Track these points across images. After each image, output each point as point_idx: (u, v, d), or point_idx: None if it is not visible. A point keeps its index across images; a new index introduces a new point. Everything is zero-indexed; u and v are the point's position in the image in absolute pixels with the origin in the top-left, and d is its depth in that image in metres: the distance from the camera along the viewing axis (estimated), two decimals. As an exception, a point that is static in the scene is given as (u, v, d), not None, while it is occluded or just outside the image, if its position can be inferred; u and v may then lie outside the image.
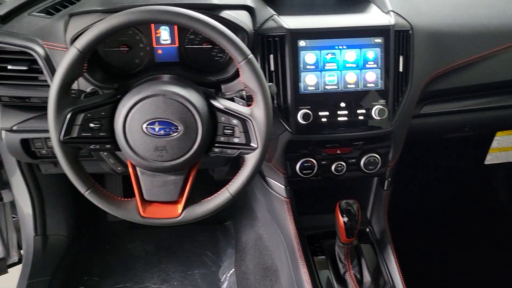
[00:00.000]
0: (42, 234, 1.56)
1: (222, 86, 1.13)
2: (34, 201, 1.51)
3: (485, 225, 1.89)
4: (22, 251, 1.66)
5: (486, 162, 1.43)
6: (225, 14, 1.04)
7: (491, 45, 1.22)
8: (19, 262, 1.67)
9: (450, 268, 1.71)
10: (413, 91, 1.17)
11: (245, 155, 0.96)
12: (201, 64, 1.15)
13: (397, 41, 1.13)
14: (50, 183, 1.54)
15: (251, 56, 0.91)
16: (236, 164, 1.72)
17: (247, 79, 0.92)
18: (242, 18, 1.07)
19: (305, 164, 1.19)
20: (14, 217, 1.64)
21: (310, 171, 1.20)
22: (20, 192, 1.50)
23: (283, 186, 1.23)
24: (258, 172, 1.29)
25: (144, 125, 0.90)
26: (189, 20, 0.87)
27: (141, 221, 0.97)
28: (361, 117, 1.14)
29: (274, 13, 1.12)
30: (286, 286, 1.30)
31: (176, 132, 0.91)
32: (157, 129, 0.90)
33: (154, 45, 1.13)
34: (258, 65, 0.92)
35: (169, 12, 0.86)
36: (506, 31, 1.23)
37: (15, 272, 1.66)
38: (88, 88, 1.05)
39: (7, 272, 1.63)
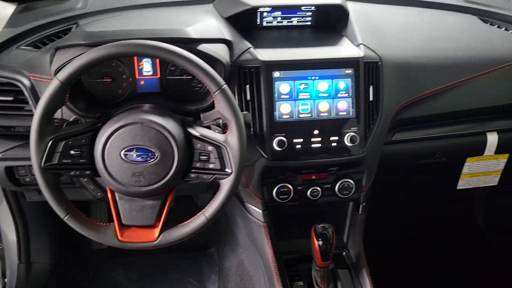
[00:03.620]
0: (25, 261, 1.56)
1: (201, 115, 1.18)
2: (18, 229, 1.53)
3: (462, 248, 1.92)
4: (6, 280, 1.66)
5: (458, 187, 1.48)
6: (202, 47, 1.10)
7: (457, 76, 1.29)
8: (3, 290, 1.68)
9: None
10: (383, 119, 1.22)
11: (220, 180, 1.00)
12: (182, 94, 1.21)
13: (366, 72, 1.19)
14: (34, 211, 1.56)
15: (225, 86, 0.96)
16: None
17: (221, 108, 0.97)
18: (219, 51, 1.13)
19: (281, 190, 1.23)
20: (-1, 245, 1.65)
21: (286, 196, 1.23)
22: (5, 220, 1.52)
23: (260, 211, 1.27)
24: (237, 198, 1.33)
25: (122, 152, 0.94)
26: (166, 52, 0.93)
27: (119, 245, 0.99)
28: (334, 144, 1.19)
29: (250, 46, 1.18)
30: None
31: (153, 158, 0.95)
32: (134, 155, 0.95)
33: (137, 76, 1.18)
34: (231, 95, 0.97)
35: (146, 45, 0.92)
36: (471, 63, 1.31)
37: (-3, 301, 1.66)
38: (72, 117, 1.10)
39: (-10, 300, 1.63)
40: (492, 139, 1.35)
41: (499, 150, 1.37)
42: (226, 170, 0.99)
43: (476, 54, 1.32)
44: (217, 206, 1.00)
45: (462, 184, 1.47)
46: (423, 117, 1.31)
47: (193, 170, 1.00)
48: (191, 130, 1.00)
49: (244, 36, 1.23)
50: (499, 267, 1.84)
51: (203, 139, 0.99)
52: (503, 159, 1.42)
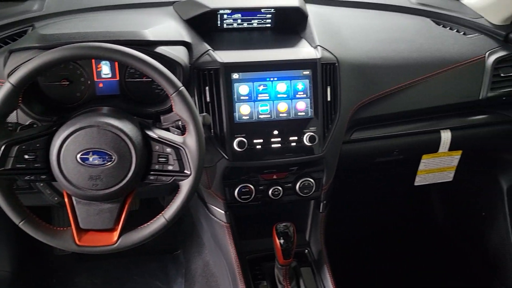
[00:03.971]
0: (-16, 270, 1.52)
1: (162, 117, 1.18)
2: (-24, 237, 1.49)
3: (422, 243, 1.99)
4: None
5: (415, 184, 1.53)
6: (160, 49, 1.11)
7: (411, 76, 1.34)
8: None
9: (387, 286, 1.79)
10: (341, 119, 1.25)
11: (180, 182, 1.00)
12: (142, 97, 1.20)
13: (324, 73, 1.22)
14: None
15: (182, 88, 0.97)
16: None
17: (179, 109, 0.98)
18: (178, 53, 1.14)
19: (243, 190, 1.24)
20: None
21: (248, 196, 1.25)
22: (-39, 228, 1.47)
23: (222, 212, 1.28)
24: (199, 199, 1.34)
25: (78, 155, 0.94)
26: (121, 55, 0.93)
27: (77, 250, 0.98)
28: (293, 144, 1.21)
29: (209, 48, 1.19)
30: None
31: (110, 161, 0.95)
32: (91, 159, 0.94)
33: (95, 79, 1.17)
34: (189, 97, 0.98)
35: (100, 48, 0.92)
36: (424, 64, 1.36)
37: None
38: (28, 121, 1.08)
39: None
40: (446, 136, 1.40)
41: (452, 147, 1.43)
42: (185, 171, 0.99)
43: (429, 55, 1.37)
44: (177, 208, 1.00)
45: (419, 180, 1.52)
46: (380, 116, 1.35)
47: (152, 172, 1.00)
48: (149, 132, 1.00)
49: (204, 38, 1.24)
50: (458, 261, 1.91)
51: (161, 141, 0.99)
52: (456, 156, 1.48)
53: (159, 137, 0.99)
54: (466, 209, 1.89)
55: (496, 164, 1.63)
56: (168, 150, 0.99)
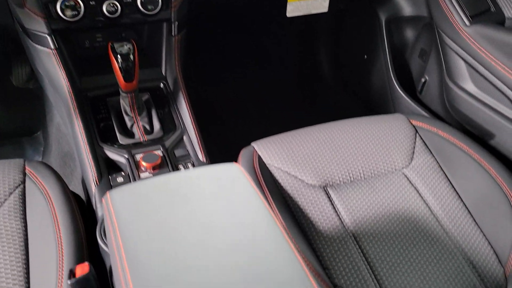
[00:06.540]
0: None
1: None
2: None
3: (300, 85, 1.90)
4: None
5: (287, 14, 1.37)
6: None
7: None
8: None
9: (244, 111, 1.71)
10: None
11: None
12: None
13: None
14: None
15: None
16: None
17: None
18: None
19: (67, 4, 1.00)
20: None
21: (76, 12, 1.02)
22: None
23: (46, 35, 1.04)
24: (20, 26, 1.08)
25: None
26: None
27: None
28: None
29: None
30: (78, 164, 1.12)
31: None
32: None
33: None
34: None
35: None
36: None
37: None
38: None
39: None
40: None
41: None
42: None
43: None
44: None
45: (291, 10, 1.35)
46: None
47: None
48: None
49: None
50: (343, 111, 1.84)
51: None
52: (328, -24, 1.33)
53: None
54: (349, 53, 1.79)
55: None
56: None
